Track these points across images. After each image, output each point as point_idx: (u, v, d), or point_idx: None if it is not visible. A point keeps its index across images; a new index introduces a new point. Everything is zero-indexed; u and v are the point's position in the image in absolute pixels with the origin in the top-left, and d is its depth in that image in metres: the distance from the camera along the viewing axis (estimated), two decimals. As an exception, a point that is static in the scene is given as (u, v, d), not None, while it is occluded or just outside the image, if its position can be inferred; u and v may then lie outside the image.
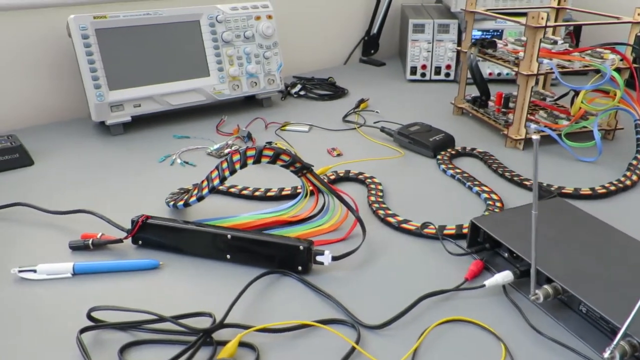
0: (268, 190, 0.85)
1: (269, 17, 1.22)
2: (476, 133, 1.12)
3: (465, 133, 1.12)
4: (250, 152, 0.71)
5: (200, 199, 0.74)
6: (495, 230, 0.67)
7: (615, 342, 0.48)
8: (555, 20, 1.20)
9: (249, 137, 1.07)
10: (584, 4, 1.30)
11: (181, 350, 0.52)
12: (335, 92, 1.37)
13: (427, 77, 1.50)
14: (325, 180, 0.88)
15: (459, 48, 1.19)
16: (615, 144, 1.06)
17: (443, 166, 0.95)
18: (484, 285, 0.61)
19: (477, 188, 0.86)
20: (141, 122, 1.15)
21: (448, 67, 1.49)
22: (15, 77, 1.14)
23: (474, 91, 1.19)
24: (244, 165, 0.72)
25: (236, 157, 0.72)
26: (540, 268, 0.59)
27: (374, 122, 1.15)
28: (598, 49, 1.02)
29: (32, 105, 1.18)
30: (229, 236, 0.67)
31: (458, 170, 0.92)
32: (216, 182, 0.73)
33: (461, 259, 0.69)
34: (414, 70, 1.50)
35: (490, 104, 1.17)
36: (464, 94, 1.23)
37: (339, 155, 1.01)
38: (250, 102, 1.29)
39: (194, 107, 1.20)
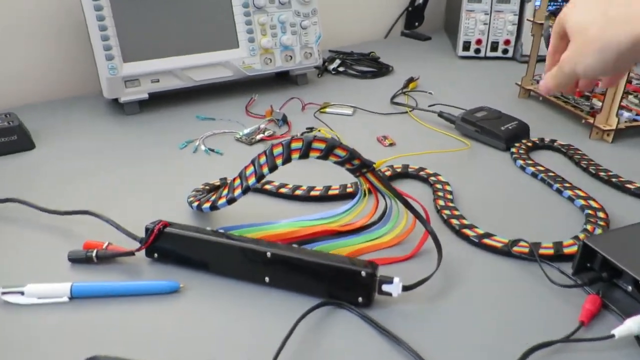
0: (311, 188, 0.70)
1: (308, -21, 1.05)
2: (551, 121, 0.95)
3: (537, 121, 0.94)
4: (296, 145, 0.56)
5: (231, 201, 0.59)
6: (617, 255, 0.51)
7: None
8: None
9: (285, 120, 0.91)
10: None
11: None
12: (379, 69, 1.20)
13: (482, 54, 1.32)
14: (390, 172, 0.73)
15: (531, 19, 1.01)
16: None
17: (520, 162, 0.78)
18: (613, 336, 0.45)
19: (569, 192, 0.69)
20: (160, 100, 1.00)
21: (507, 42, 1.30)
22: (13, 46, 1.00)
23: (542, 71, 1.01)
24: (287, 160, 0.56)
25: (278, 150, 0.56)
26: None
27: (429, 106, 0.98)
28: None
29: (34, 79, 1.03)
30: (268, 254, 0.52)
31: (541, 168, 0.76)
32: (251, 180, 0.58)
33: (569, 291, 0.53)
34: (467, 46, 1.31)
35: (567, 86, 0.99)
36: (532, 74, 1.05)
37: (391, 144, 0.84)
38: (282, 80, 1.13)
39: (220, 84, 1.04)
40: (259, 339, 0.47)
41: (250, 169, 0.58)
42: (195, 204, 0.63)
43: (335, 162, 0.56)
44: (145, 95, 0.94)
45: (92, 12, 0.87)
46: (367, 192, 0.60)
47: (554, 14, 0.93)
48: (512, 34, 1.29)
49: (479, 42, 1.30)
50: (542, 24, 0.97)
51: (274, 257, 0.52)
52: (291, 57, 1.06)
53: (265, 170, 0.57)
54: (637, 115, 0.88)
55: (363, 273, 0.50)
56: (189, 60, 0.96)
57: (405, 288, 0.50)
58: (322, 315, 0.50)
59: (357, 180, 0.58)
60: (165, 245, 0.56)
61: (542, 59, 0.95)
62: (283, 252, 0.52)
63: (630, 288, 0.52)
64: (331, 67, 1.20)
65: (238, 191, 0.58)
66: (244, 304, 0.51)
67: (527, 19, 1.12)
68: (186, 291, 0.53)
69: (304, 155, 0.56)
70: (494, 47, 1.31)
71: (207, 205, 0.61)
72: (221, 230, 0.57)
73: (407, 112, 0.96)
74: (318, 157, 0.56)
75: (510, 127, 0.83)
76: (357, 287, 0.50)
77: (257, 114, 0.95)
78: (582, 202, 0.67)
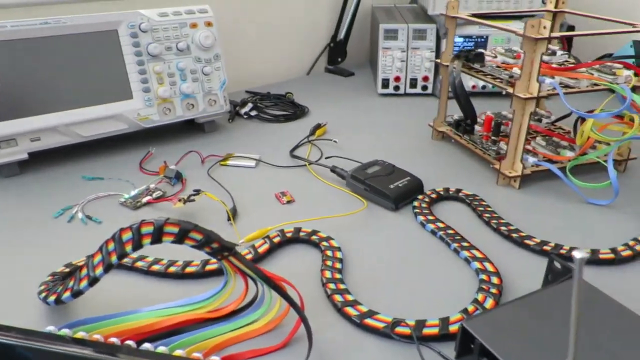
0: (187, 263, 0.63)
1: (208, 24, 1.00)
2: (461, 165, 0.92)
3: (447, 166, 0.92)
4: (147, 229, 0.49)
5: (76, 294, 0.52)
6: (495, 341, 0.46)
7: None
8: (552, 27, 1.00)
9: (178, 178, 0.84)
10: (577, 5, 1.11)
11: None
12: (294, 111, 1.16)
13: (402, 91, 1.30)
14: (267, 246, 0.67)
15: (438, 60, 0.99)
16: (630, 177, 0.87)
17: (421, 217, 0.74)
18: None
19: (466, 253, 0.66)
20: (44, 158, 0.92)
21: (425, 78, 1.28)
22: None
23: (456, 109, 0.98)
24: (138, 246, 0.50)
25: (127, 236, 0.50)
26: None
27: (325, 158, 0.93)
28: (608, 63, 0.83)
29: None
30: (106, 363, 0.45)
31: (441, 225, 0.72)
32: (98, 271, 0.51)
33: (449, 380, 0.48)
34: (385, 84, 1.29)
35: (477, 127, 0.97)
36: (444, 115, 1.02)
37: (289, 202, 0.79)
38: (189, 128, 1.07)
39: (114, 138, 0.97)
40: None
41: (98, 257, 0.52)
42: (43, 294, 0.56)
43: (192, 246, 0.50)
44: (24, 156, 0.86)
45: (-41, 67, 0.79)
46: (234, 276, 0.54)
47: (457, 57, 0.91)
48: (429, 70, 1.28)
49: (397, 79, 1.28)
50: (447, 65, 0.95)
51: (115, 366, 0.45)
52: (193, 105, 1.00)
53: (114, 258, 0.50)
54: (543, 159, 0.86)
55: (211, 382, 0.43)
56: (75, 115, 0.88)
57: (263, 395, 0.44)
58: None
59: (222, 265, 0.53)
60: (-6, 353, 0.48)
61: (451, 97, 0.93)
62: (123, 360, 0.45)
63: (512, 375, 0.47)
64: (243, 111, 1.15)
65: (84, 283, 0.51)
66: None
67: (434, 60, 1.10)
68: (10, 412, 0.45)
69: (156, 240, 0.50)
70: (413, 83, 1.29)
71: (52, 298, 0.54)
72: (65, 330, 0.50)
73: (306, 165, 0.91)
74: (172, 242, 0.50)
75: (400, 185, 0.78)
76: (205, 398, 0.44)
77: (151, 170, 0.89)
78: (477, 264, 0.63)
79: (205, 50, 0.99)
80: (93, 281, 0.51)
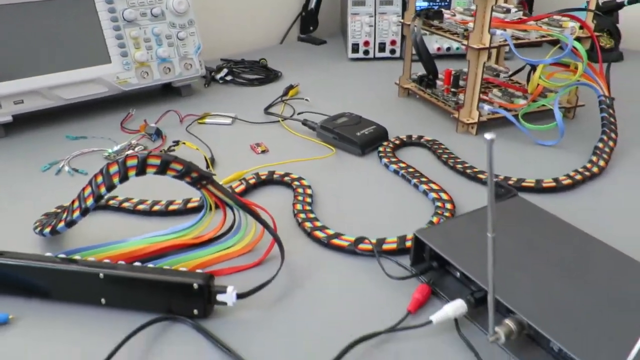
0: (170, 202, 0.69)
1: (182, -10, 1.04)
2: (424, 117, 0.99)
3: (411, 118, 0.98)
4: (131, 162, 0.55)
5: (70, 224, 0.58)
6: (443, 246, 0.53)
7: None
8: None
9: (158, 134, 0.89)
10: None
11: None
12: (267, 75, 1.21)
13: (371, 55, 1.36)
14: (243, 186, 0.73)
15: (402, 21, 1.05)
16: (577, 123, 0.95)
17: (385, 160, 0.80)
18: (430, 322, 0.48)
19: (424, 186, 0.72)
20: (27, 122, 0.96)
21: (393, 42, 1.34)
22: None
23: (421, 68, 1.05)
24: (124, 178, 0.55)
25: (114, 169, 0.55)
26: (500, 297, 0.46)
27: (298, 114, 0.99)
28: (555, 17, 0.90)
29: None
30: (101, 275, 0.51)
31: (402, 165, 0.78)
32: (89, 201, 0.56)
33: (405, 282, 0.55)
34: (355, 48, 1.35)
35: (439, 83, 1.04)
36: (409, 73, 1.09)
37: (264, 152, 0.85)
38: (167, 92, 1.12)
39: (96, 101, 1.01)
40: (86, 364, 0.46)
41: (88, 190, 0.57)
42: (38, 229, 0.61)
43: (174, 177, 0.56)
44: (8, 118, 0.90)
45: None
46: (214, 206, 0.60)
47: (418, 15, 0.97)
48: (397, 34, 1.34)
49: (366, 43, 1.34)
50: (409, 25, 1.01)
51: (107, 277, 0.51)
52: (170, 69, 1.04)
53: (103, 190, 0.56)
54: (499, 107, 0.93)
55: (195, 285, 0.50)
56: (57, 78, 0.92)
57: (240, 296, 0.51)
58: (159, 330, 0.50)
59: (201, 194, 0.58)
60: (-3, 276, 0.54)
61: (416, 59, 1.00)
62: (116, 271, 0.51)
63: (458, 274, 0.54)
64: (219, 76, 1.19)
65: (77, 213, 0.57)
66: (77, 329, 0.50)
67: (399, 21, 1.16)
68: (17, 322, 0.51)
69: (141, 172, 0.55)
70: (382, 48, 1.35)
71: (48, 230, 0.59)
72: (61, 255, 0.55)
73: (279, 121, 0.97)
74: (155, 173, 0.55)
75: (366, 133, 0.85)
76: (191, 299, 0.50)
77: (132, 129, 0.93)
78: (434, 195, 0.70)
79: (179, 16, 1.04)
80: (84, 211, 0.57)
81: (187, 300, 0.50)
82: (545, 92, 0.95)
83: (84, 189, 0.57)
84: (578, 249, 0.53)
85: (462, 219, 0.59)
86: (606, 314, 0.44)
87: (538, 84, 0.89)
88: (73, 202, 0.59)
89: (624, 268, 0.50)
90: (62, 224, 0.58)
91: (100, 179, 0.56)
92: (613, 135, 0.82)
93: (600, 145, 0.80)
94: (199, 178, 0.56)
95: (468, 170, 0.77)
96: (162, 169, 0.55)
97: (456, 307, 0.48)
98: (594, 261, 0.51)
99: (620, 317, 0.44)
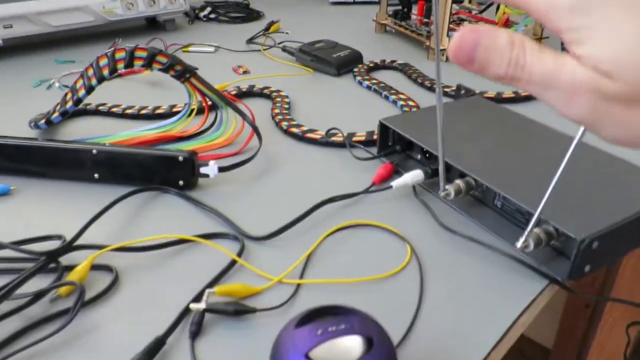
0: (157, 107, 0.74)
1: None
2: (399, 48, 1.04)
3: (386, 50, 1.03)
4: (120, 55, 0.60)
5: (64, 114, 0.62)
6: (405, 130, 0.59)
7: (528, 228, 0.42)
8: None
9: (144, 58, 0.93)
10: None
11: (13, 278, 0.42)
12: (249, 14, 1.25)
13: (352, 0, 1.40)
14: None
15: (378, -44, 1.09)
16: (541, 52, 1.01)
17: (359, 78, 0.86)
18: (390, 187, 0.54)
19: (393, 96, 0.78)
20: (17, 47, 0.99)
21: (372, -14, 1.38)
22: None
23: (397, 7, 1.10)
24: (113, 70, 0.60)
25: (103, 62, 0.60)
26: (452, 162, 0.52)
27: (278, 43, 1.04)
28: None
29: None
30: (94, 151, 0.56)
31: (375, 81, 0.84)
32: (81, 92, 0.61)
33: (371, 164, 0.61)
34: (336, -8, 1.39)
35: (413, 16, 1.09)
36: (386, 10, 1.13)
37: (245, 72, 0.90)
38: (151, 26, 1.15)
39: (82, 30, 1.05)
40: (81, 223, 0.51)
41: (80, 82, 0.62)
42: (33, 123, 0.66)
43: (160, 70, 0.61)
44: (-2, 42, 0.93)
45: None
46: (197, 101, 0.65)
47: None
48: (376, -22, 1.37)
49: (346, -13, 1.38)
50: (385, -41, 1.05)
51: (100, 153, 0.56)
52: (154, 1, 1.08)
53: (94, 81, 0.61)
54: (468, 36, 0.98)
55: (180, 158, 0.55)
56: (43, 4, 0.96)
57: (222, 169, 0.56)
58: (146, 199, 0.55)
59: (186, 88, 0.63)
60: (-2, 157, 0.59)
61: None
62: (107, 148, 0.56)
63: (419, 156, 0.61)
64: (202, 14, 1.23)
65: (70, 104, 0.62)
66: (73, 199, 0.55)
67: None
68: (17, 193, 0.56)
69: (129, 64, 0.60)
70: (362, -9, 1.39)
71: (42, 121, 0.64)
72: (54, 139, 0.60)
73: (260, 50, 1.01)
74: (142, 66, 0.60)
75: (342, 55, 0.90)
76: (176, 171, 0.56)
77: (119, 55, 0.97)
78: (402, 102, 0.76)
79: (163, -50, 1.07)
80: (77, 101, 0.62)
81: (173, 172, 0.56)
82: (512, 23, 1.00)
83: (75, 82, 0.62)
84: (523, 129, 0.59)
85: (423, 110, 0.65)
86: (539, 171, 0.50)
87: (504, 13, 0.94)
88: (66, 94, 0.63)
89: (558, 140, 0.56)
90: (56, 115, 0.62)
91: (91, 71, 0.61)
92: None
93: (559, 64, 0.86)
94: (183, 71, 0.61)
95: (435, 85, 0.82)
96: (149, 62, 0.60)
97: (414, 175, 0.54)
98: (535, 137, 0.57)
99: (550, 173, 0.50)
